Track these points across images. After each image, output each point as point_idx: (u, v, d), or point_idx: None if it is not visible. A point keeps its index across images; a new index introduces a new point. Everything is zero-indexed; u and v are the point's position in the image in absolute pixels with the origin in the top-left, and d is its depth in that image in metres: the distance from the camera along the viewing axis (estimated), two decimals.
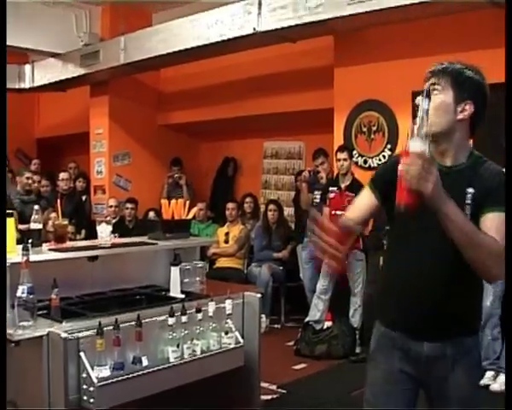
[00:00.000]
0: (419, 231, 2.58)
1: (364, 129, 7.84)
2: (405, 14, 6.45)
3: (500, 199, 2.46)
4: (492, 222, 2.45)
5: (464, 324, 2.61)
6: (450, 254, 2.44)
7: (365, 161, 7.84)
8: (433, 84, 2.59)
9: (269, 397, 5.75)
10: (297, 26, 7.05)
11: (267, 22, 7.27)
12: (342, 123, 8.01)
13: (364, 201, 2.79)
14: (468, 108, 2.55)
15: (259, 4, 7.34)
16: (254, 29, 7.35)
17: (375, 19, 6.68)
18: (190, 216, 4.92)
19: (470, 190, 2.52)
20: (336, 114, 8.05)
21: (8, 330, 3.27)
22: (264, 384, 5.41)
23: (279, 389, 6.02)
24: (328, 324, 7.18)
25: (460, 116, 2.55)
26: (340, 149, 7.58)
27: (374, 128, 7.75)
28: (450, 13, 6.54)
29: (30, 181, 9.33)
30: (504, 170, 2.56)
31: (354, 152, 7.86)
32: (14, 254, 3.73)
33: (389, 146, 7.60)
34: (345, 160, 7.45)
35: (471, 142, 2.72)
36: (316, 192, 7.75)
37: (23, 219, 7.25)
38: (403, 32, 7.22)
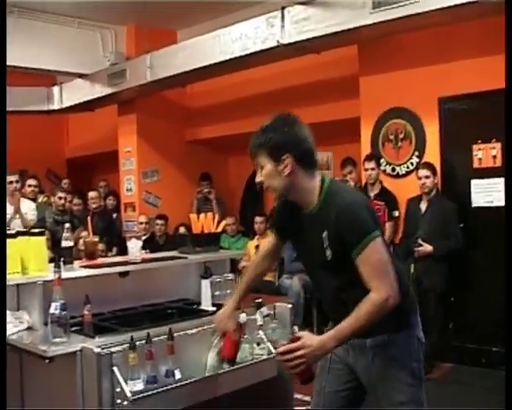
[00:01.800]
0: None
1: (391, 137, 7.82)
2: (428, 20, 6.42)
3: (356, 237, 2.75)
4: (359, 267, 2.76)
5: (379, 324, 2.79)
6: (351, 275, 2.80)
7: (393, 169, 7.81)
8: (256, 165, 2.94)
9: (303, 408, 5.73)
10: (320, 37, 7.06)
11: (290, 34, 7.28)
12: (369, 131, 8.00)
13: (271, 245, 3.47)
14: (288, 161, 2.83)
15: (282, 17, 7.36)
16: (278, 42, 7.38)
17: (397, 26, 6.66)
18: (220, 229, 4.94)
19: (324, 234, 2.84)
20: (363, 122, 8.04)
21: (42, 347, 3.31)
22: (297, 396, 5.40)
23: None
24: None
25: (285, 172, 2.85)
26: (368, 158, 7.58)
27: (401, 136, 7.72)
28: (474, 17, 6.52)
29: (63, 201, 9.43)
30: (355, 199, 2.88)
31: (382, 160, 7.84)
32: (46, 272, 3.79)
33: (417, 153, 7.57)
34: (372, 169, 7.45)
35: (316, 179, 2.92)
36: None
37: (56, 239, 7.33)
38: (426, 38, 7.21)
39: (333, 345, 2.77)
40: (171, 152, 11.08)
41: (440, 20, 6.55)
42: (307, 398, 5.96)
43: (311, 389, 6.12)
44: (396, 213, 7.41)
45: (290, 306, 4.43)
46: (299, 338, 2.77)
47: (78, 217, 9.73)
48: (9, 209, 7.88)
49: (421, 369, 3.07)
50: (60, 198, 9.42)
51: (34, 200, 8.98)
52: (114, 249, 9.63)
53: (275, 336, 4.03)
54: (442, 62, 7.19)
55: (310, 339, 2.77)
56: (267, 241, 3.49)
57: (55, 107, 11.27)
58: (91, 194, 10.27)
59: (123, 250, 9.03)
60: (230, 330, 3.35)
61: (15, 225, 7.35)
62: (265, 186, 2.94)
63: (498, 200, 6.90)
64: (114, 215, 10.91)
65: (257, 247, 9.11)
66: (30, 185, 9.12)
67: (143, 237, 9.73)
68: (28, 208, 8.28)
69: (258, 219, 9.25)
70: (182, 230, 9.41)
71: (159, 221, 9.85)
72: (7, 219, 7.63)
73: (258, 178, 2.95)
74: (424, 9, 6.17)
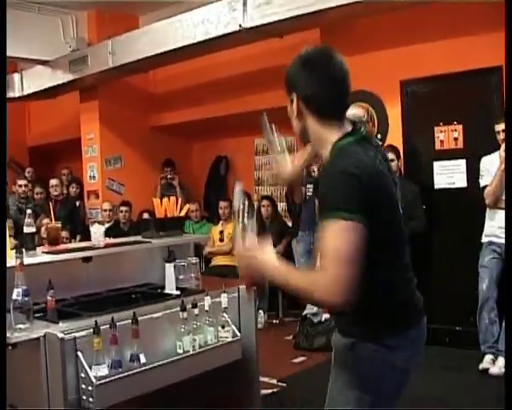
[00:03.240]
0: None
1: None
2: (390, 3, 6.47)
3: (328, 205, 2.33)
4: (322, 233, 2.30)
5: (347, 325, 2.57)
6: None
7: None
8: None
9: (269, 391, 5.77)
10: (283, 20, 7.06)
11: (253, 18, 7.27)
12: None
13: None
14: (295, 100, 2.55)
15: (244, 1, 7.34)
16: (240, 26, 7.36)
17: (360, 9, 6.69)
18: (183, 213, 4.93)
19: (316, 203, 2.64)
20: None
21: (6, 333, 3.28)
22: (263, 379, 5.43)
23: (279, 383, 6.05)
24: (326, 316, 7.18)
25: (294, 111, 2.57)
26: None
27: (364, 118, 7.76)
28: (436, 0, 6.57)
29: (23, 188, 9.34)
30: (344, 166, 2.34)
31: None
32: (8, 258, 3.74)
33: (379, 136, 7.60)
34: None
35: (336, 132, 2.48)
36: (308, 186, 7.77)
37: (20, 227, 7.27)
38: (389, 21, 7.23)
39: (268, 274, 2.44)
40: (135, 138, 11.01)
41: (402, 4, 6.59)
42: (273, 381, 6.03)
43: (277, 372, 6.19)
44: None
45: (254, 288, 4.43)
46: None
47: (40, 205, 9.66)
48: None
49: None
50: (20, 186, 9.34)
51: None
52: (78, 237, 9.57)
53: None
54: (404, 45, 7.23)
55: (259, 249, 2.50)
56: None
57: (16, 94, 11.12)
58: (52, 181, 10.21)
59: (87, 238, 8.96)
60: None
61: None
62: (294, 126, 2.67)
63: (460, 181, 6.99)
64: (77, 203, 10.83)
65: (221, 232, 9.13)
66: None
67: (107, 225, 9.68)
68: None
69: (222, 203, 9.25)
70: (145, 216, 9.37)
71: (123, 208, 9.80)
72: None
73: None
74: None
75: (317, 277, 2.32)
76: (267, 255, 2.47)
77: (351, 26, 7.56)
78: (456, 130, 7.01)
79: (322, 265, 2.27)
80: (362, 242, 2.25)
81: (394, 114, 7.50)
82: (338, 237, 2.25)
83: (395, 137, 7.44)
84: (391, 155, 6.99)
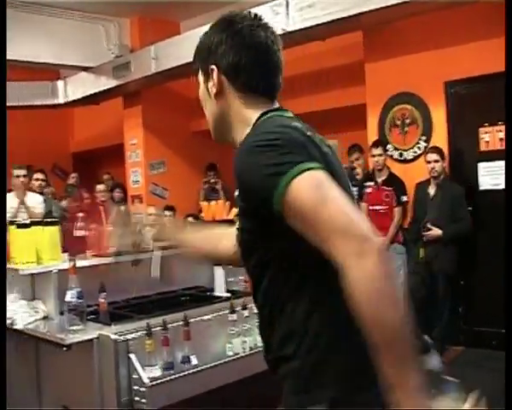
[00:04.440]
0: None
1: (398, 122, 7.81)
2: (432, 4, 6.44)
3: (271, 173, 1.66)
4: (300, 230, 1.64)
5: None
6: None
7: (400, 154, 7.81)
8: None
9: None
10: (325, 23, 7.06)
11: (295, 22, 7.28)
12: (376, 118, 7.99)
13: None
14: (215, 76, 1.99)
15: (287, 5, 7.36)
16: (283, 30, 7.37)
17: (402, 11, 6.66)
18: (231, 216, 4.95)
19: (236, 193, 1.95)
20: (369, 109, 8.03)
21: (59, 335, 3.34)
22: None
23: None
24: None
25: (213, 91, 2.00)
26: (375, 144, 7.58)
27: (407, 121, 7.71)
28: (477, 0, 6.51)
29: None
30: (277, 124, 1.84)
31: (389, 146, 7.83)
32: (59, 261, 3.81)
33: (424, 138, 7.56)
34: (379, 155, 7.45)
35: (258, 111, 1.97)
36: (352, 189, 7.76)
37: (62, 232, 7.36)
38: (431, 22, 7.19)
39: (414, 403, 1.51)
40: (177, 143, 11.07)
41: (445, 4, 6.55)
42: None
43: None
44: (404, 198, 7.38)
45: None
46: None
47: (85, 210, 9.75)
48: (15, 203, 7.90)
49: None
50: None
51: (41, 193, 8.99)
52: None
53: None
54: (447, 46, 7.18)
55: None
56: None
57: (60, 101, 11.27)
58: (99, 187, 10.28)
59: None
60: None
61: (21, 218, 7.37)
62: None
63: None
64: (122, 208, 10.90)
65: None
66: (37, 179, 9.12)
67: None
68: (36, 202, 8.28)
69: None
70: (190, 220, 9.42)
71: (167, 212, 9.84)
72: (12, 213, 7.67)
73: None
74: None
75: (348, 279, 1.53)
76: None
77: (393, 27, 7.53)
78: (501, 130, 6.94)
79: (334, 247, 1.55)
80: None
81: (438, 115, 7.45)
82: (319, 187, 1.63)
83: (440, 138, 7.39)
84: (435, 156, 6.95)
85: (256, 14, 2.04)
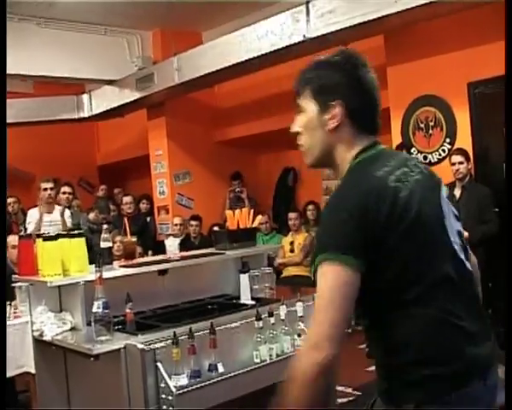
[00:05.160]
0: None
1: (422, 125, 7.78)
2: (452, 5, 6.42)
3: (318, 242, 2.06)
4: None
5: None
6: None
7: (425, 157, 7.77)
8: (297, 109, 2.22)
9: (345, 400, 5.75)
10: (346, 29, 7.05)
11: (316, 28, 7.28)
12: (399, 121, 7.97)
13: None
14: (338, 111, 2.10)
15: (307, 11, 7.36)
16: (304, 36, 7.38)
17: (422, 13, 6.63)
18: (255, 224, 4.96)
19: None
20: (392, 112, 8.01)
21: (87, 345, 3.37)
22: (339, 388, 5.41)
23: (354, 392, 6.02)
24: None
25: (330, 126, 2.11)
26: (399, 147, 7.55)
27: (431, 123, 7.68)
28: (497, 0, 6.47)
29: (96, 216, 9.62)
30: (342, 194, 2.05)
31: (413, 149, 7.79)
32: (86, 272, 3.84)
33: (448, 140, 7.53)
34: None
35: (358, 148, 2.14)
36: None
37: (89, 246, 7.43)
38: (452, 23, 7.15)
39: None
40: (202, 153, 11.12)
41: (464, 5, 6.52)
42: (348, 390, 6.01)
43: (352, 381, 6.16)
44: None
45: None
46: None
47: (112, 222, 9.82)
48: (46, 216, 8.01)
49: None
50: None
51: (69, 207, 9.08)
52: (150, 253, 9.70)
53: None
54: (469, 47, 7.14)
55: None
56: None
57: (85, 114, 11.37)
58: (126, 199, 10.37)
59: (158, 253, 9.10)
60: None
61: (51, 232, 7.47)
62: (299, 140, 2.21)
63: None
64: (148, 219, 10.99)
65: (291, 243, 9.14)
66: (64, 192, 9.21)
67: (178, 240, 9.81)
68: (64, 215, 8.38)
69: (291, 215, 9.27)
70: (216, 229, 9.47)
71: (193, 222, 9.89)
72: (36, 225, 7.79)
73: (294, 128, 2.22)
74: None
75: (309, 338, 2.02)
76: None
77: (414, 30, 7.50)
78: None
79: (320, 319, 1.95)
80: (351, 288, 1.92)
81: (462, 116, 7.40)
82: (320, 281, 1.94)
83: (464, 140, 7.34)
84: (459, 158, 6.91)
85: (359, 54, 2.22)
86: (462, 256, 2.12)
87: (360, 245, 1.91)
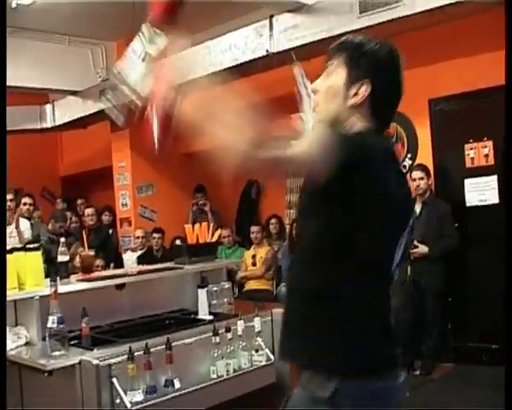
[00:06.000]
0: None
1: None
2: (414, 22, 6.48)
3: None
4: None
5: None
6: None
7: None
8: (324, 69, 2.20)
9: None
10: (309, 44, 7.09)
11: (279, 43, 7.32)
12: None
13: None
14: (364, 90, 2.09)
15: (271, 26, 7.39)
16: (267, 51, 7.40)
17: (385, 30, 6.66)
18: (215, 239, 4.95)
19: None
20: None
21: (41, 361, 3.33)
22: None
23: None
24: None
25: (351, 101, 2.11)
26: None
27: (392, 139, 7.75)
28: (459, 18, 6.54)
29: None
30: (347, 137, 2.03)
31: None
32: (42, 286, 3.80)
33: (409, 155, 7.60)
34: None
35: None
36: None
37: (51, 257, 7.35)
38: (414, 40, 7.20)
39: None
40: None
41: (426, 22, 6.59)
42: None
43: None
44: None
45: None
46: None
47: (74, 234, 9.74)
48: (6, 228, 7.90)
49: None
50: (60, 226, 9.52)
51: (29, 218, 8.99)
52: (111, 265, 9.64)
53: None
54: (430, 64, 7.22)
55: None
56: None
57: (48, 125, 11.28)
58: (88, 211, 10.31)
59: (120, 266, 9.05)
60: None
61: (12, 243, 7.37)
62: (315, 103, 2.19)
63: (492, 198, 6.93)
64: (110, 231, 10.91)
65: (253, 256, 9.14)
66: (25, 203, 9.13)
67: (140, 252, 9.76)
68: (24, 226, 8.29)
69: (254, 228, 9.27)
70: (178, 242, 9.42)
71: (155, 235, 9.85)
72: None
73: (315, 86, 2.19)
74: (410, 12, 6.24)
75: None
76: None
77: None
78: (486, 146, 6.97)
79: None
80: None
81: (423, 132, 7.48)
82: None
83: (425, 155, 7.42)
84: (419, 174, 6.97)
85: None
86: None
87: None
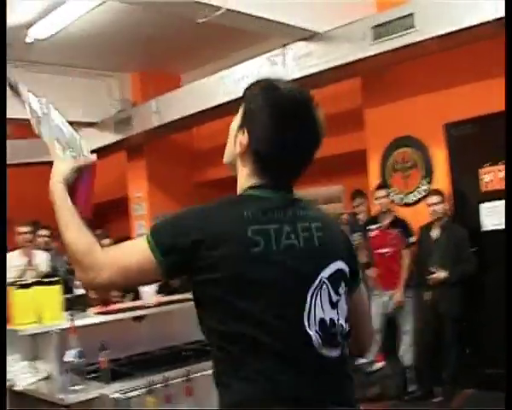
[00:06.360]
0: None
1: (399, 166, 7.82)
2: (427, 47, 6.50)
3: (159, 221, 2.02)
4: None
5: None
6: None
7: (401, 199, 7.80)
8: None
9: None
10: (323, 71, 7.12)
11: (293, 71, 7.33)
12: (377, 163, 7.99)
13: None
14: (242, 140, 1.97)
15: (284, 54, 7.43)
16: None
17: (398, 56, 6.72)
18: None
19: None
20: (370, 154, 8.05)
21: (60, 395, 3.32)
22: None
23: None
24: (379, 365, 7.10)
25: (237, 149, 2.00)
26: (379, 187, 7.57)
27: (408, 164, 7.73)
28: (471, 42, 6.54)
29: None
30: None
31: (390, 190, 7.76)
32: (61, 320, 3.80)
33: (425, 181, 7.56)
34: (384, 196, 7.41)
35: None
36: (354, 235, 7.65)
37: (68, 287, 7.36)
38: (427, 65, 7.24)
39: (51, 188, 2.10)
40: (182, 195, 11.07)
41: (439, 47, 6.61)
42: None
43: None
44: (413, 239, 7.28)
45: None
46: None
47: None
48: (23, 260, 7.92)
49: None
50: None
51: (47, 250, 9.00)
52: (130, 296, 9.62)
53: None
54: (445, 88, 7.20)
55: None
56: None
57: None
58: (105, 241, 10.31)
59: (138, 296, 9.03)
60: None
61: (29, 277, 7.38)
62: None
63: None
64: None
65: None
66: (42, 236, 9.14)
67: (159, 282, 9.74)
68: (42, 259, 8.30)
69: None
70: None
71: None
72: (20, 270, 7.68)
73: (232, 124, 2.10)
74: (423, 37, 6.26)
75: (97, 251, 1.98)
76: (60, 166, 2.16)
77: (390, 72, 7.58)
78: (502, 170, 6.93)
79: (111, 253, 2.02)
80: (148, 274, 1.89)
81: (439, 157, 7.45)
82: (132, 248, 1.98)
83: (441, 180, 7.38)
84: (436, 198, 6.95)
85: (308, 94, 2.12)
86: None
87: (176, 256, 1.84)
